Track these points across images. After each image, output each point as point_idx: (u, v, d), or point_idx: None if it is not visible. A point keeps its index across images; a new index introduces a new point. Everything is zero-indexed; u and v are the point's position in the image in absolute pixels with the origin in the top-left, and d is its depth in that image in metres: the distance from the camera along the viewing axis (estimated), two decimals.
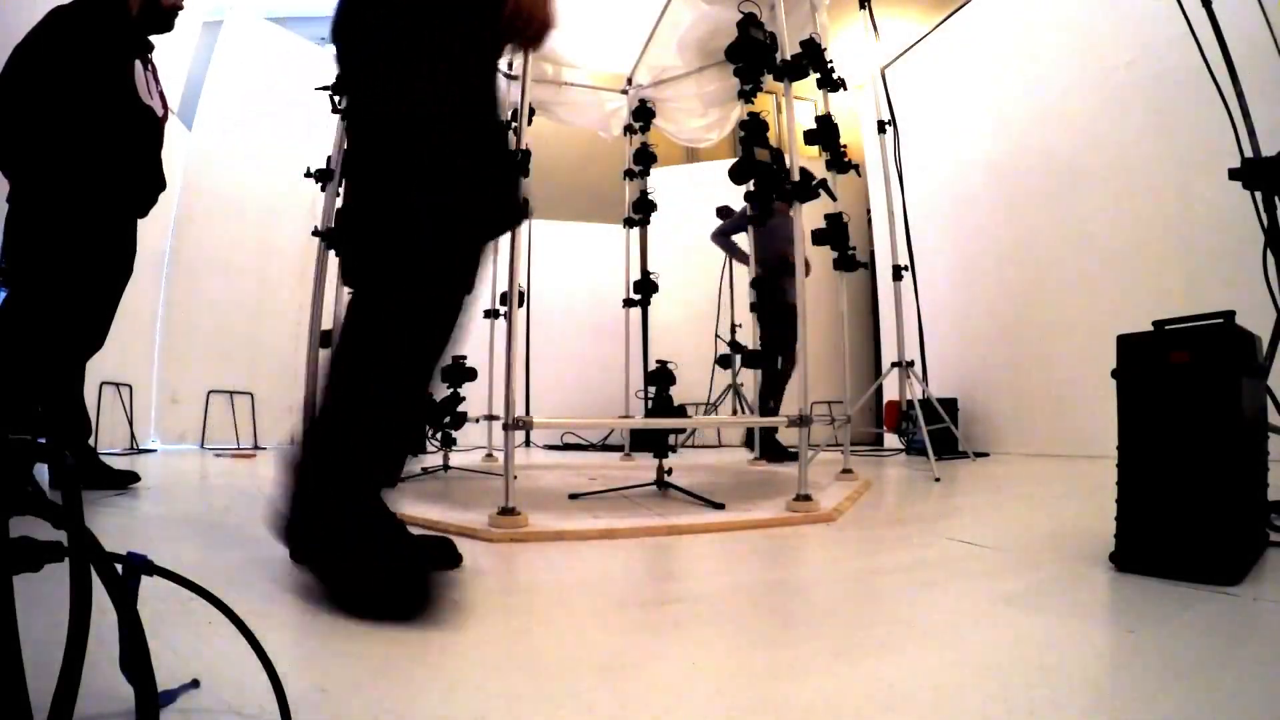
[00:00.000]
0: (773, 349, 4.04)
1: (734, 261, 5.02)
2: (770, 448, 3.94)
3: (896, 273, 3.49)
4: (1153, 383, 1.15)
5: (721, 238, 4.41)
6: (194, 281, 4.80)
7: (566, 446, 5.40)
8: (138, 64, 2.29)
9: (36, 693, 0.43)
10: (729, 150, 5.95)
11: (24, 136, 2.05)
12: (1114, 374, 1.21)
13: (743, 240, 4.35)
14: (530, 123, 1.91)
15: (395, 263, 1.12)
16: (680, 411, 2.19)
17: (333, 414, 1.09)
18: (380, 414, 1.10)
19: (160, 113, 2.37)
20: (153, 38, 2.39)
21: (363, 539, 1.02)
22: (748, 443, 4.27)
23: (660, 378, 2.25)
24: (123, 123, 2.21)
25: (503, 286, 3.86)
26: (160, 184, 2.41)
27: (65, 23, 2.10)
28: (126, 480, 2.30)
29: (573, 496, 2.11)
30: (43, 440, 0.45)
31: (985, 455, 4.09)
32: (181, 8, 2.38)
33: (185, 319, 4.75)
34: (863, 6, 3.58)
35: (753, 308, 4.11)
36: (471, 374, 3.01)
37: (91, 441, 2.39)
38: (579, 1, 3.51)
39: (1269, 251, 1.65)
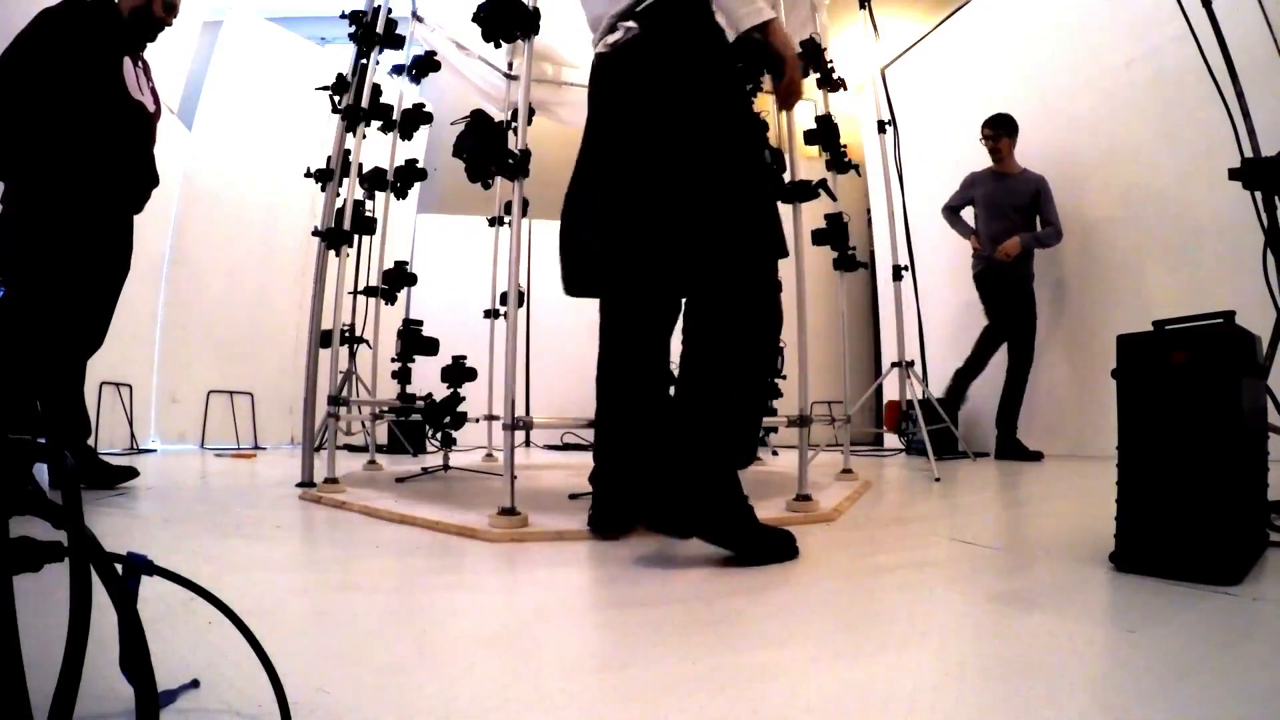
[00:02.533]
0: (1004, 337, 3.89)
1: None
2: (1010, 447, 3.79)
3: (896, 273, 3.49)
4: (1153, 383, 1.15)
5: (950, 214, 4.17)
6: (194, 281, 4.80)
7: (566, 446, 5.40)
8: (128, 61, 2.29)
9: (36, 693, 0.43)
10: None
11: (15, 135, 2.05)
12: (1114, 374, 1.21)
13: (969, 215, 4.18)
14: (530, 123, 1.91)
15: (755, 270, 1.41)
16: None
17: (724, 413, 1.34)
18: (755, 409, 1.40)
19: (152, 109, 2.38)
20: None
21: (748, 511, 1.33)
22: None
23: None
24: (113, 119, 2.21)
25: (503, 286, 3.86)
26: (153, 180, 2.41)
27: (54, 23, 2.11)
28: (123, 475, 2.30)
29: (573, 496, 2.11)
30: (43, 440, 0.45)
31: (985, 455, 4.09)
32: (169, 24, 2.39)
33: (185, 319, 4.75)
34: (863, 6, 3.58)
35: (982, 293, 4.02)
36: (471, 374, 3.01)
37: (91, 441, 2.39)
38: (579, 2, 3.52)
39: (1269, 251, 1.65)
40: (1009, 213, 3.85)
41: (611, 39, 1.55)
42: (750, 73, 2.08)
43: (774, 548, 1.31)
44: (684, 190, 1.40)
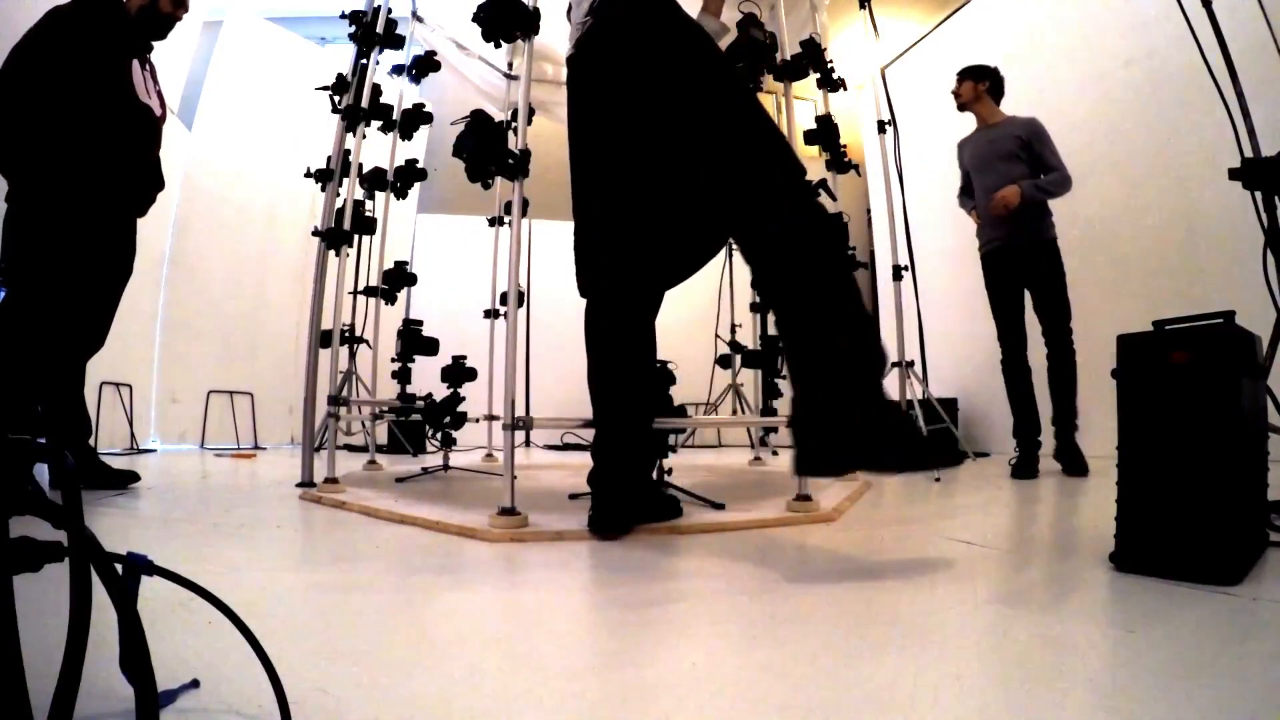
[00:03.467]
0: (1008, 326, 3.17)
1: (731, 261, 4.98)
2: (1072, 454, 2.95)
3: (896, 273, 3.49)
4: (1153, 383, 1.15)
5: (961, 197, 3.51)
6: (194, 281, 4.80)
7: (566, 446, 5.40)
8: (135, 64, 2.29)
9: (36, 693, 0.43)
10: None
11: (22, 136, 2.05)
12: (1114, 374, 1.21)
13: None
14: (530, 123, 1.91)
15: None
16: (680, 411, 2.18)
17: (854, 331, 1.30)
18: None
19: (159, 112, 2.37)
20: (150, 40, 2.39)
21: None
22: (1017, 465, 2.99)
23: (660, 378, 2.25)
24: (120, 122, 2.21)
25: (503, 286, 3.86)
26: (159, 183, 2.41)
27: (63, 23, 2.10)
28: (126, 480, 2.30)
29: (573, 496, 2.11)
30: (43, 440, 0.45)
31: (985, 455, 4.09)
32: (179, 18, 2.39)
33: (185, 319, 4.75)
34: (863, 6, 3.58)
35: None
36: (471, 374, 3.01)
37: (91, 441, 2.39)
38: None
39: (1269, 251, 1.65)
40: (996, 165, 3.18)
41: (571, 42, 1.62)
42: (751, 73, 2.11)
43: (931, 450, 1.33)
44: (684, 147, 1.43)
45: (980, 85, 3.25)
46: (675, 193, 1.54)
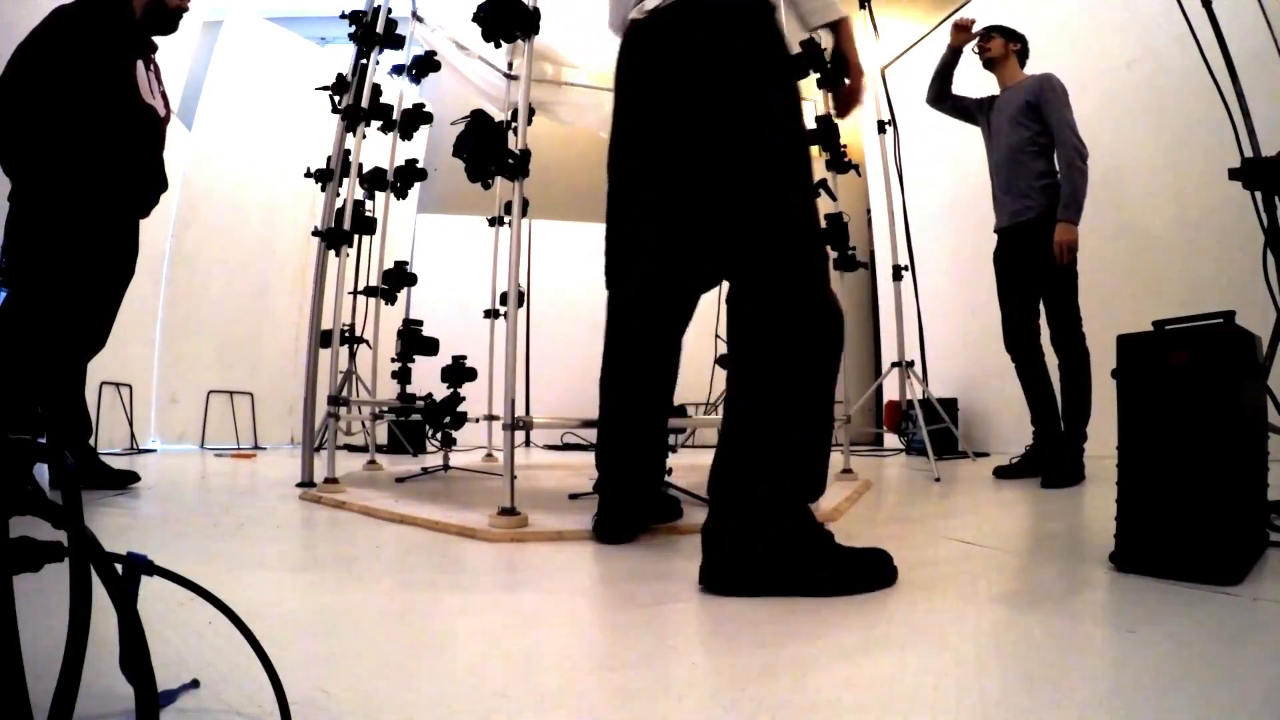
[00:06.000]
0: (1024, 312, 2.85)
1: None
2: (1076, 466, 2.59)
3: (896, 273, 3.49)
4: (1153, 383, 1.15)
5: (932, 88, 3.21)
6: (194, 281, 4.79)
7: (566, 446, 5.40)
8: (140, 64, 2.29)
9: (36, 693, 0.43)
10: None
11: (26, 136, 2.05)
12: (1114, 374, 1.21)
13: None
14: (530, 123, 1.91)
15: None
16: (680, 411, 2.19)
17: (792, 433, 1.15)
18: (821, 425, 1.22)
19: (162, 113, 2.37)
20: (155, 38, 2.39)
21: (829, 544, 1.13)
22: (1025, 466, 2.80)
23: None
24: (125, 123, 2.21)
25: (503, 286, 3.86)
26: (162, 184, 2.41)
27: (67, 23, 2.10)
28: (126, 480, 2.30)
29: (573, 496, 2.11)
30: (43, 440, 0.45)
31: (985, 455, 4.09)
32: (186, 9, 2.38)
33: (185, 319, 4.75)
34: (863, 6, 3.58)
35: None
36: (471, 374, 3.01)
37: (91, 441, 2.39)
38: (579, 2, 3.51)
39: (1269, 251, 1.65)
40: (1004, 130, 2.88)
41: (650, 4, 1.44)
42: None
43: (867, 574, 1.10)
44: (727, 172, 1.29)
45: (1012, 45, 2.97)
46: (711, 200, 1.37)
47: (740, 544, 1.08)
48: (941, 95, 3.17)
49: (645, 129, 1.48)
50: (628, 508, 1.52)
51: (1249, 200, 1.68)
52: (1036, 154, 2.79)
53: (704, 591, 1.07)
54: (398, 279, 3.61)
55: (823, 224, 2.93)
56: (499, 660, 0.81)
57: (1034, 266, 2.78)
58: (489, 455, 3.98)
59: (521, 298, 4.53)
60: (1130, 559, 1.16)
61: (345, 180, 2.68)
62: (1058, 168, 2.74)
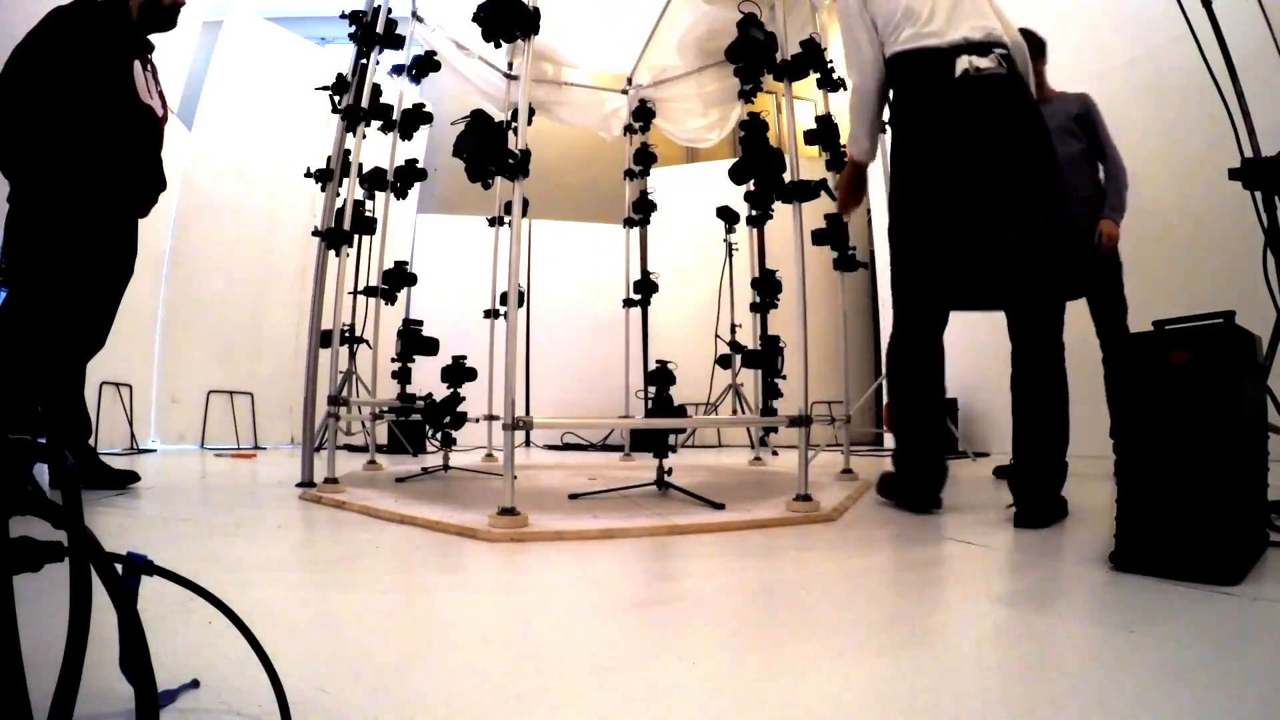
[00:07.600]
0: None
1: (731, 261, 4.96)
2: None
3: None
4: (1153, 383, 1.15)
5: None
6: (194, 281, 4.79)
7: (566, 446, 5.40)
8: (137, 64, 2.28)
9: (36, 693, 0.43)
10: (729, 150, 5.94)
11: (24, 137, 2.05)
12: (1114, 374, 1.21)
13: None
14: (530, 123, 1.91)
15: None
16: (680, 411, 2.18)
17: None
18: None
19: (160, 113, 2.37)
20: (153, 37, 2.39)
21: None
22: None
23: (660, 378, 2.25)
24: (123, 123, 2.21)
25: (503, 286, 3.86)
26: (160, 184, 2.41)
27: (65, 23, 2.10)
28: (126, 480, 2.30)
29: (573, 496, 2.11)
30: (43, 440, 0.45)
31: (985, 455, 4.09)
32: (183, 4, 2.38)
33: (185, 319, 4.75)
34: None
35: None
36: (471, 374, 3.01)
37: (91, 441, 2.39)
38: (579, 1, 3.52)
39: (1269, 251, 1.65)
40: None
41: (983, 65, 1.82)
42: (750, 74, 2.15)
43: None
44: (1036, 215, 1.76)
45: (1043, 60, 3.06)
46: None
47: (1046, 493, 1.71)
48: None
49: (958, 162, 1.83)
50: (931, 478, 1.88)
51: (1249, 200, 1.68)
52: (1087, 164, 2.96)
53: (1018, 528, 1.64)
54: (398, 279, 3.61)
55: (824, 224, 2.96)
56: (499, 660, 0.81)
57: (1079, 269, 2.74)
58: (489, 455, 3.98)
59: (521, 298, 4.53)
60: (1130, 559, 1.16)
61: (345, 180, 2.68)
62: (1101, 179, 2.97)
